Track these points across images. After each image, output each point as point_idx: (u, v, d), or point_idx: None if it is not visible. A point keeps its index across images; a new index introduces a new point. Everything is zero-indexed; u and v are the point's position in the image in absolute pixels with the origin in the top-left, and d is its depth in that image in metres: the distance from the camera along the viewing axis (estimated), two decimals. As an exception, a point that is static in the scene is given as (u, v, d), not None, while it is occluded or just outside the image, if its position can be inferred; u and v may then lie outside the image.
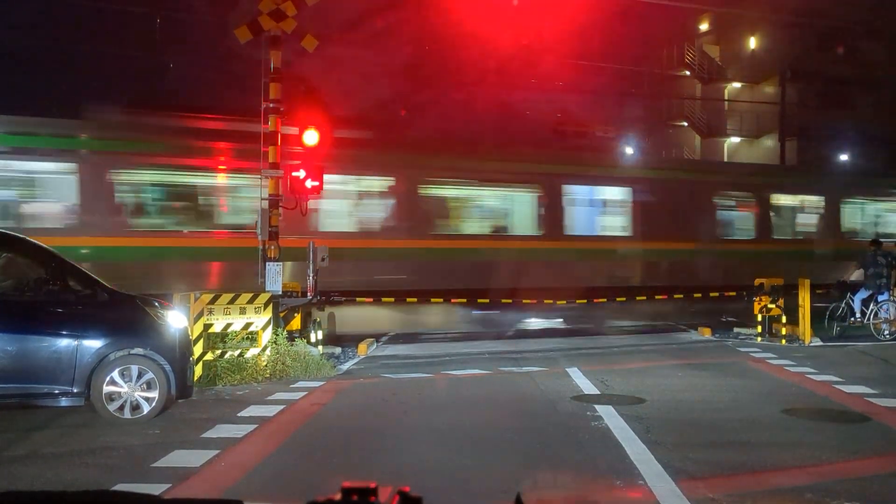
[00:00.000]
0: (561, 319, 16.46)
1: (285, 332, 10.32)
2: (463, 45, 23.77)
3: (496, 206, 16.49)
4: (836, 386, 8.96)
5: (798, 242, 18.70)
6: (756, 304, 13.63)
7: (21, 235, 7.73)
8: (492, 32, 22.71)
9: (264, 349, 9.70)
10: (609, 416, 7.26)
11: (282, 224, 10.88)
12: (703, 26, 38.39)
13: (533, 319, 16.56)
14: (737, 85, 37.39)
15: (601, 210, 17.26)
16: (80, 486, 5.13)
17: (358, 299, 14.09)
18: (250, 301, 9.69)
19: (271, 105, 10.48)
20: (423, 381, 9.58)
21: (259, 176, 10.82)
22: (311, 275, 11.11)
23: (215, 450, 6.11)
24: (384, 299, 14.44)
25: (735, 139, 37.15)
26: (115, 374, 7.11)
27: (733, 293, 15.90)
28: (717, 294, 16.11)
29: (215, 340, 9.59)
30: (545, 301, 15.37)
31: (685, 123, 38.39)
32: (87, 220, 12.72)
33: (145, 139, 13.36)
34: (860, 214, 19.99)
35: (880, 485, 5.42)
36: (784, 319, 13.25)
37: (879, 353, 11.90)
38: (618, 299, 16.04)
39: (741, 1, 33.57)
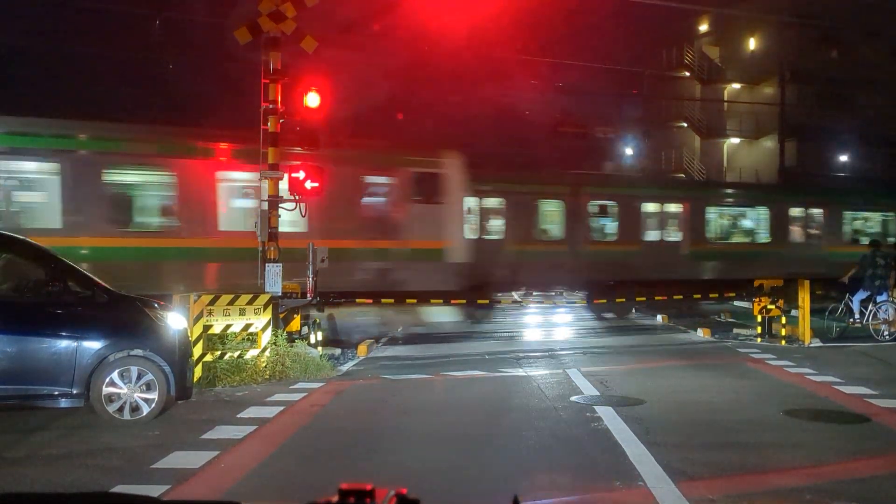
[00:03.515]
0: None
1: (285, 333, 10.32)
2: (461, 45, 23.78)
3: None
4: (836, 387, 8.96)
5: None
6: (755, 304, 13.62)
7: (21, 237, 7.71)
8: (488, 32, 22.74)
9: (264, 350, 9.69)
10: (609, 417, 7.25)
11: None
12: (703, 27, 38.42)
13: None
14: (736, 86, 37.41)
15: None
16: (80, 487, 5.14)
17: (358, 300, 14.17)
18: (250, 302, 9.69)
19: (270, 106, 10.49)
20: (423, 383, 9.58)
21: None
22: (311, 276, 11.09)
23: (215, 451, 6.11)
24: (384, 300, 14.51)
25: (734, 140, 37.20)
26: (115, 376, 7.10)
27: None
28: None
29: (215, 342, 9.59)
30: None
31: (685, 124, 38.41)
32: None
33: None
34: None
35: (880, 485, 5.42)
36: (784, 320, 13.25)
37: (879, 353, 11.90)
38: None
39: (741, 1, 33.59)
